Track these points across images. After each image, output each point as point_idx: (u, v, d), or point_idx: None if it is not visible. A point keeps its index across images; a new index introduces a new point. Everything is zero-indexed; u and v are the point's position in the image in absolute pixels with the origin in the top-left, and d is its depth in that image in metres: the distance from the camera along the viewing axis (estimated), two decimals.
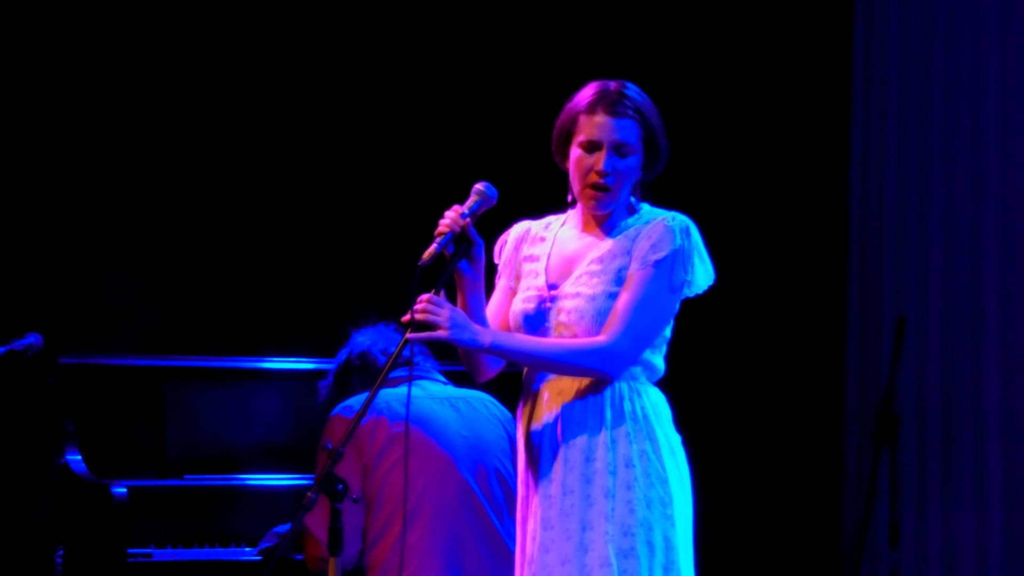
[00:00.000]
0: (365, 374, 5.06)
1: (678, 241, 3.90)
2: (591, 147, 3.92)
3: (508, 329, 3.99)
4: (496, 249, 4.11)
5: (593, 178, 3.92)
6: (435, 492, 4.71)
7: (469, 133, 7.17)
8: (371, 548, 4.70)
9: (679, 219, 3.94)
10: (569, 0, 7.40)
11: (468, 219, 3.87)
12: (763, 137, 7.58)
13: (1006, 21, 7.13)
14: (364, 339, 5.17)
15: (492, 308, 4.03)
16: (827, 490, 7.45)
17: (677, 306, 3.96)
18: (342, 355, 5.18)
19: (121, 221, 6.67)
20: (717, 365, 7.49)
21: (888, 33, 7.42)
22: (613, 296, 3.88)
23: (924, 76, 7.33)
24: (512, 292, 4.06)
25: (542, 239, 4.06)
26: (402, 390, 4.76)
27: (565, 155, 3.98)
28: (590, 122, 3.92)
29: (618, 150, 3.92)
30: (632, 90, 3.97)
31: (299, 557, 5.04)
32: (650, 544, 3.82)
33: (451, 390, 4.94)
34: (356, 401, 4.80)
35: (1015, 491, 7.02)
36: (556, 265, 3.99)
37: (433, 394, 4.88)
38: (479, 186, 3.94)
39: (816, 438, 7.48)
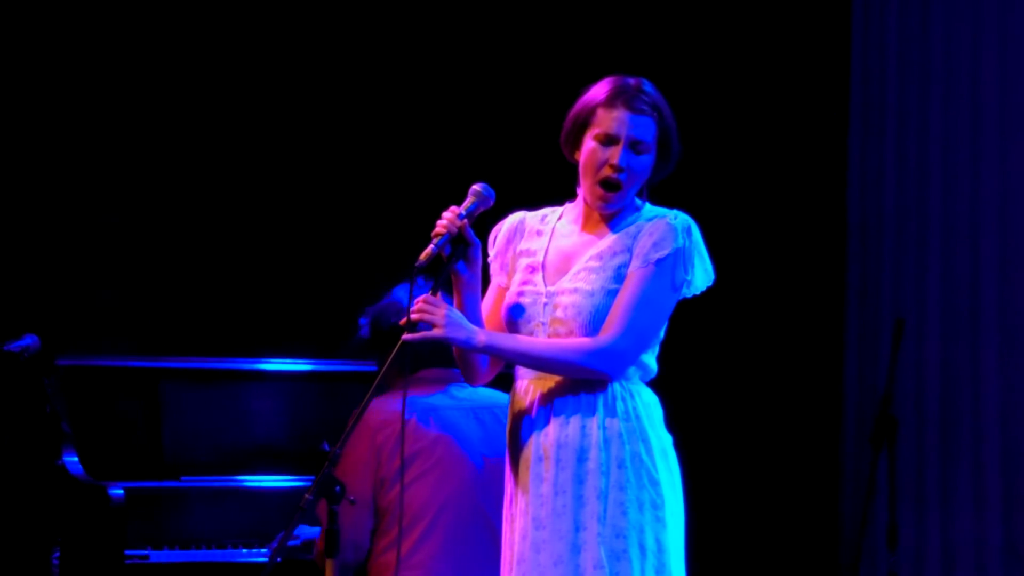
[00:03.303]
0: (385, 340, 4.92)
1: (680, 240, 3.87)
2: (607, 141, 3.88)
3: (501, 327, 3.97)
4: (489, 241, 4.06)
5: (606, 172, 3.87)
6: (449, 513, 4.68)
7: (466, 134, 7.16)
8: (379, 556, 4.69)
9: (682, 218, 3.92)
10: (566, 1, 7.40)
11: (465, 220, 3.86)
12: (762, 138, 7.57)
13: (1004, 22, 7.13)
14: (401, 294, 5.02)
15: (484, 307, 4.00)
16: (825, 492, 7.45)
17: (673, 307, 3.94)
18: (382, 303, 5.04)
19: (118, 222, 6.66)
20: (715, 366, 7.48)
21: (887, 34, 7.42)
22: (612, 293, 3.85)
23: (923, 78, 7.33)
24: (505, 290, 4.02)
25: (539, 232, 4.02)
26: (431, 399, 4.72)
27: (576, 147, 3.93)
28: (608, 116, 3.87)
29: (634, 147, 3.88)
30: (651, 87, 3.93)
31: (309, 557, 5.03)
32: (642, 547, 3.81)
33: (479, 398, 4.81)
34: (383, 403, 4.72)
35: (1013, 492, 7.02)
36: (554, 261, 3.96)
37: (461, 403, 4.80)
38: (476, 187, 3.92)
39: (814, 440, 7.48)
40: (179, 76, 6.77)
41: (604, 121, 3.88)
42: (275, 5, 6.96)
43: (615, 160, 3.86)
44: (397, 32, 7.16)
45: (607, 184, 3.88)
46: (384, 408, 4.66)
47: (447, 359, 4.81)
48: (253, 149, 6.90)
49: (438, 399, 4.75)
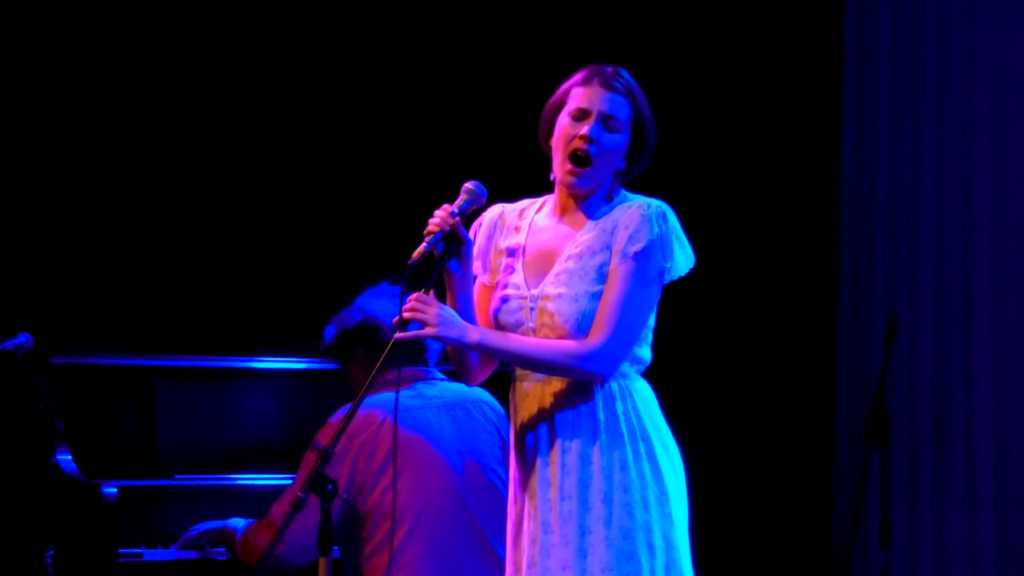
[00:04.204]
0: (370, 343, 4.96)
1: (655, 230, 3.86)
2: (580, 115, 3.88)
3: (488, 326, 3.96)
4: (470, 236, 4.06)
5: (576, 143, 3.87)
6: (432, 512, 4.69)
7: (459, 132, 7.16)
8: (367, 561, 4.70)
9: (655, 206, 3.91)
10: None
11: (457, 218, 3.86)
12: (755, 135, 7.58)
13: (998, 19, 7.13)
14: (376, 304, 5.05)
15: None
16: (818, 488, 7.45)
17: (658, 296, 3.94)
18: (353, 317, 5.07)
19: (111, 220, 6.66)
20: (708, 364, 7.49)
21: (880, 31, 7.43)
22: (596, 296, 3.85)
23: (916, 75, 7.33)
24: (488, 288, 4.02)
25: (516, 229, 4.02)
26: (401, 399, 4.72)
27: (551, 131, 3.94)
28: (582, 92, 3.89)
29: (606, 122, 3.88)
30: (628, 75, 3.95)
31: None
32: (651, 546, 3.81)
33: (449, 394, 4.85)
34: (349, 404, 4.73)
35: (1006, 489, 7.03)
36: (533, 259, 3.95)
37: (430, 401, 4.81)
38: (468, 185, 3.93)
39: (807, 437, 7.48)
40: (177, 75, 6.77)
41: (577, 97, 3.90)
42: (268, 5, 6.95)
43: (584, 131, 3.86)
44: (387, 31, 7.15)
45: (576, 157, 3.88)
46: (359, 412, 4.65)
47: (416, 357, 4.82)
48: (245, 148, 6.90)
49: (408, 399, 4.75)
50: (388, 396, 4.62)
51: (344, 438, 4.59)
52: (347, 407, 4.69)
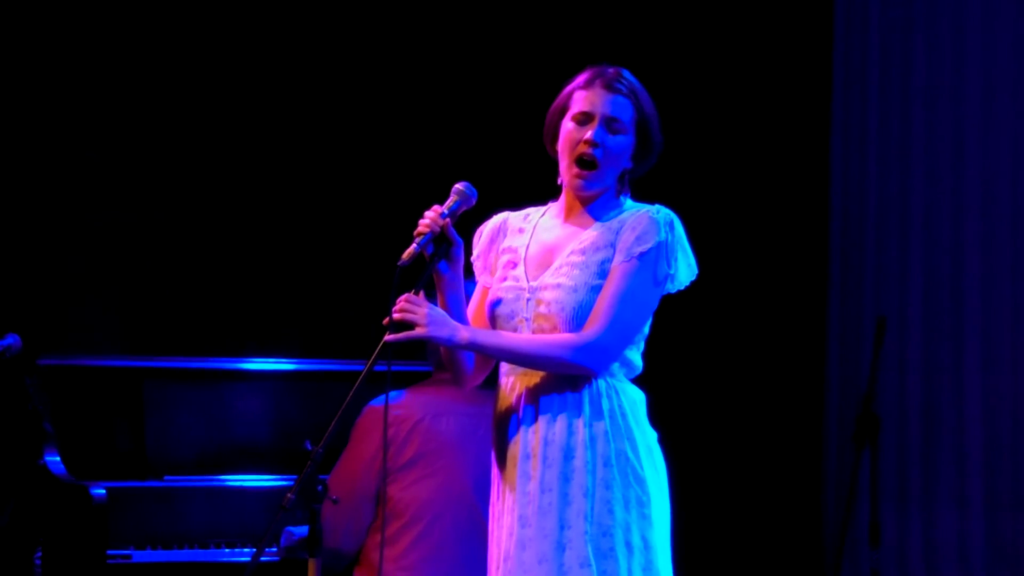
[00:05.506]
0: None
1: (663, 234, 3.87)
2: (583, 119, 3.89)
3: (487, 327, 3.96)
4: (473, 242, 4.06)
5: (581, 148, 3.87)
6: (447, 518, 4.73)
7: (449, 133, 7.16)
8: (371, 551, 4.72)
9: (664, 212, 3.92)
10: (553, 1, 7.41)
11: (448, 219, 3.85)
12: (745, 139, 7.58)
13: (987, 22, 7.15)
14: None
15: (471, 307, 4.00)
16: (808, 490, 7.46)
17: (657, 302, 3.94)
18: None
19: (101, 221, 6.65)
20: (699, 365, 7.49)
21: (869, 34, 7.44)
22: (595, 289, 3.85)
23: (905, 78, 7.34)
24: (489, 290, 4.03)
25: (520, 230, 4.02)
26: (449, 400, 4.77)
27: (556, 135, 3.95)
28: (584, 96, 3.90)
29: (609, 125, 3.89)
30: (630, 75, 3.96)
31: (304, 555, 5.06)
32: (628, 545, 3.81)
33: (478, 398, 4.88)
34: (400, 398, 4.82)
35: (995, 490, 7.04)
36: (535, 254, 3.95)
37: (470, 407, 4.84)
38: (459, 186, 3.92)
39: (797, 438, 7.49)
40: (171, 76, 6.76)
41: (580, 101, 3.90)
42: (265, 8, 6.95)
43: (588, 135, 3.87)
44: (383, 35, 7.16)
45: (582, 162, 3.89)
46: (397, 404, 4.76)
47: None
48: (236, 150, 6.89)
49: (451, 403, 4.79)
50: (430, 398, 4.73)
51: (379, 429, 4.65)
52: (379, 399, 4.75)
